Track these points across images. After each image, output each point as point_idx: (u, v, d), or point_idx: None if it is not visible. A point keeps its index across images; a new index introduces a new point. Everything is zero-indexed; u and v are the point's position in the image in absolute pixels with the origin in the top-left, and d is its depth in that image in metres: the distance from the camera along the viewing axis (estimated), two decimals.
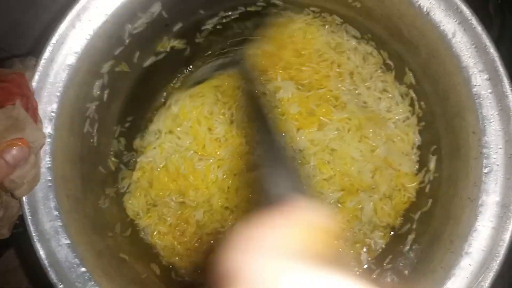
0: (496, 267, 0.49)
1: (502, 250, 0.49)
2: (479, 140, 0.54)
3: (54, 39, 0.57)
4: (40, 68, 0.57)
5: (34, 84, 0.56)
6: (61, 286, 0.53)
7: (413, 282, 0.58)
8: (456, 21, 0.54)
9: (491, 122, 0.53)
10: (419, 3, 0.56)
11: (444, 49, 0.56)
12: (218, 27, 0.73)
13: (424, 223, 0.65)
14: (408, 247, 0.64)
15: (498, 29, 0.67)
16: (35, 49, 0.86)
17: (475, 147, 0.54)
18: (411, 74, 0.67)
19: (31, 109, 0.54)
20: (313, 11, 0.72)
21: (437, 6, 0.55)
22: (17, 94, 0.51)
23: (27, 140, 0.49)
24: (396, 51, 0.68)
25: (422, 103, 0.68)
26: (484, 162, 0.53)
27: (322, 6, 0.72)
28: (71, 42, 0.58)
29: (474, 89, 0.54)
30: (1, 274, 0.74)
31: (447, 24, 0.55)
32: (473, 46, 0.53)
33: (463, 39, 0.54)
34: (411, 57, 0.66)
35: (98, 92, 0.62)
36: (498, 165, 0.52)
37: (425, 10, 0.56)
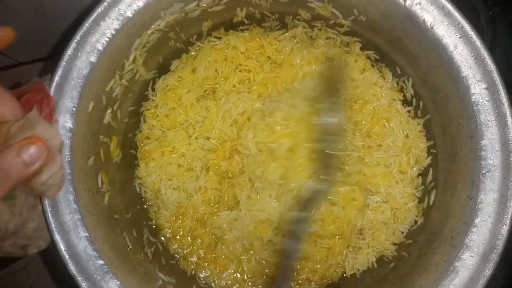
0: (496, 258, 0.54)
1: (501, 243, 0.54)
2: (477, 144, 0.59)
3: (78, 36, 0.59)
4: (63, 63, 0.58)
5: (57, 78, 0.57)
6: (80, 278, 0.54)
7: (415, 276, 0.62)
8: (457, 35, 0.59)
9: (489, 127, 0.58)
10: (423, 18, 0.61)
11: (446, 61, 0.61)
12: None
13: (421, 223, 0.70)
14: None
15: (489, 41, 0.73)
16: (49, 56, 0.87)
17: (473, 150, 0.59)
18: (410, 84, 0.72)
19: (47, 108, 0.54)
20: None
21: (440, 21, 0.60)
22: (36, 101, 0.52)
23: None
24: (395, 62, 0.73)
25: (419, 111, 0.73)
26: (482, 163, 0.58)
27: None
28: (94, 40, 0.59)
29: (473, 97, 0.59)
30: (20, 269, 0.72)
31: (449, 37, 0.60)
32: (472, 58, 0.59)
33: (464, 52, 0.59)
34: (410, 68, 0.71)
35: (117, 89, 0.64)
36: (495, 166, 0.57)
37: (429, 24, 0.61)
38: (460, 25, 0.59)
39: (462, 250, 0.56)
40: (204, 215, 0.71)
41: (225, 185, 0.71)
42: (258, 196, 0.70)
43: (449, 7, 0.59)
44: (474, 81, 0.59)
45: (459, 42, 0.60)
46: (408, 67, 0.71)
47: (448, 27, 0.60)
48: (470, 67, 0.59)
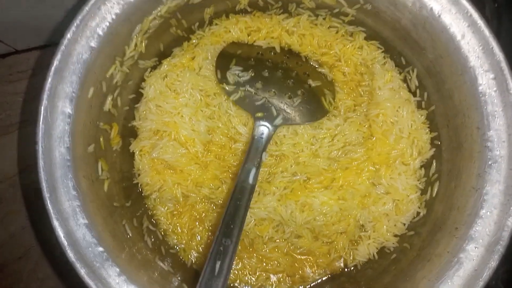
0: (501, 250, 0.53)
1: (507, 235, 0.53)
2: (483, 135, 0.58)
3: (77, 20, 0.57)
4: (63, 47, 0.56)
5: (56, 63, 0.56)
6: (79, 264, 0.53)
7: (417, 267, 0.61)
8: (465, 24, 0.58)
9: (496, 118, 0.57)
10: (431, 6, 0.60)
11: (453, 50, 0.60)
12: None
13: (424, 215, 0.69)
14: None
15: (494, 32, 0.71)
16: (46, 44, 0.86)
17: (479, 141, 0.58)
18: (415, 75, 0.71)
19: None
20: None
21: (448, 10, 0.59)
22: None
23: None
24: (400, 52, 0.72)
25: (423, 102, 0.72)
26: (489, 154, 0.57)
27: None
28: (94, 24, 0.58)
29: (480, 88, 0.58)
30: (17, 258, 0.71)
31: (457, 26, 0.59)
32: (480, 48, 0.58)
33: (471, 41, 0.58)
34: (416, 58, 0.70)
35: (117, 75, 0.63)
36: (501, 157, 0.56)
37: (436, 13, 0.60)
38: (469, 14, 0.58)
39: (466, 241, 0.55)
40: (202, 213, 0.70)
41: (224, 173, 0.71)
42: (259, 194, 0.69)
43: None
44: (482, 71, 0.58)
45: (467, 31, 0.58)
46: (413, 57, 0.70)
47: (456, 15, 0.59)
48: (478, 56, 0.58)
